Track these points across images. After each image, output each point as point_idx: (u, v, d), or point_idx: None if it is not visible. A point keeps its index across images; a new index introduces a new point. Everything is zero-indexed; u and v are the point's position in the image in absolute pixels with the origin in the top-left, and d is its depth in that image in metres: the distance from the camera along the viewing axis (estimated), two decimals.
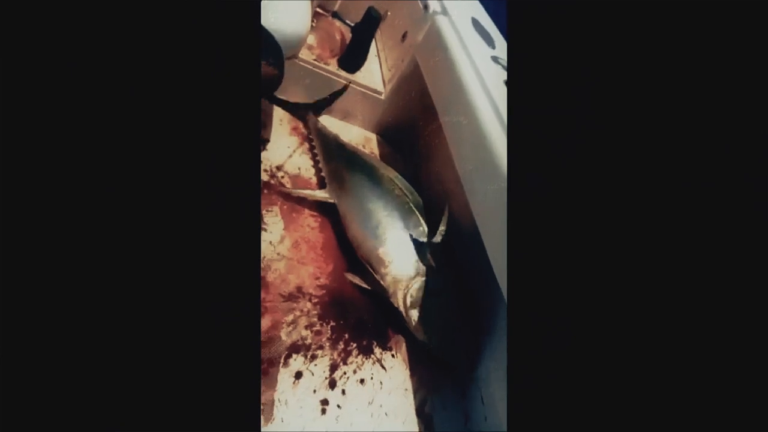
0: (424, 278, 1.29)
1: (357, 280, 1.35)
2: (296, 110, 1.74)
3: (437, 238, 1.36)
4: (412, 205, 1.46)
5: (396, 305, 1.28)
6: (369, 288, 1.33)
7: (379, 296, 1.33)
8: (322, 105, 1.74)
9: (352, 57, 1.45)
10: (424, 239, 1.37)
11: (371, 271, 1.34)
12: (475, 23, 1.70)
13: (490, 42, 1.63)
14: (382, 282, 1.31)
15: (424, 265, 1.32)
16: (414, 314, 1.25)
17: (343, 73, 1.85)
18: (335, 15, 1.48)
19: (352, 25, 1.40)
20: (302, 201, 1.50)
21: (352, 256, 1.41)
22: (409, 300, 1.26)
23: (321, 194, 1.49)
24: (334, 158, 1.59)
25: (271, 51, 1.12)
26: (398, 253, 1.33)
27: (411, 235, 1.38)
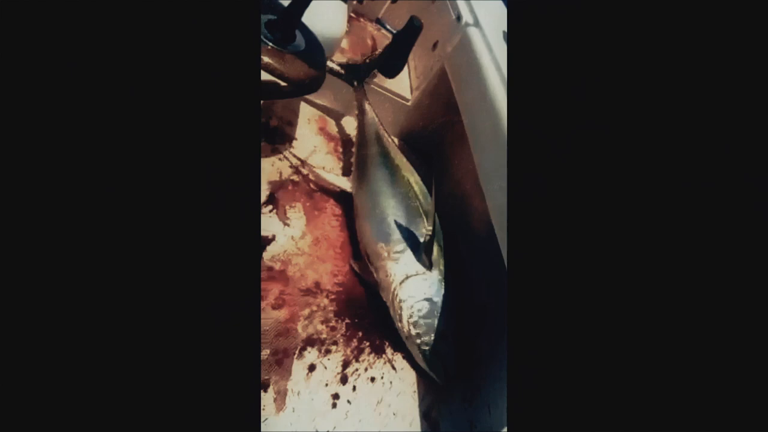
0: (416, 280, 1.31)
1: (357, 267, 1.39)
2: (347, 75, 1.71)
3: (430, 238, 1.38)
4: (421, 209, 1.48)
5: (385, 300, 1.31)
6: (366, 279, 1.37)
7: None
8: (371, 66, 1.69)
9: (392, 63, 1.49)
10: (423, 243, 1.39)
11: (368, 262, 1.37)
12: (506, 36, 1.71)
13: None
14: (375, 275, 1.34)
15: (417, 267, 1.34)
16: (400, 313, 1.26)
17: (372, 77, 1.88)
18: (378, 21, 1.54)
19: (394, 32, 1.44)
20: (325, 199, 1.53)
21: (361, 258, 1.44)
22: (398, 298, 1.28)
23: (342, 182, 1.55)
24: (367, 143, 1.62)
25: (315, 54, 1.15)
26: (395, 251, 1.36)
27: (411, 237, 1.39)
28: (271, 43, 1.02)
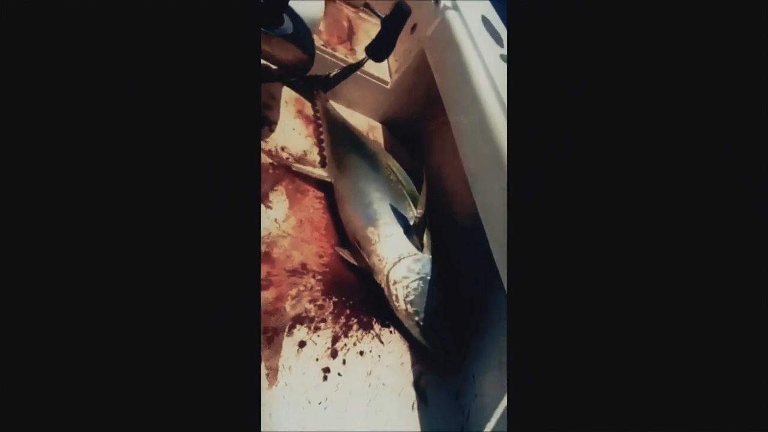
0: (408, 261, 1.35)
1: (345, 254, 1.41)
2: (307, 87, 1.78)
3: (419, 220, 1.41)
4: (405, 191, 1.52)
5: (379, 283, 1.34)
6: (356, 264, 1.39)
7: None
8: (334, 81, 1.77)
9: (380, 47, 1.51)
10: (412, 225, 1.43)
11: (358, 248, 1.39)
12: (485, 21, 1.73)
13: (499, 40, 1.67)
14: (367, 260, 1.37)
15: (409, 248, 1.38)
16: (396, 294, 1.30)
17: (350, 60, 1.90)
18: (367, 6, 1.59)
19: (382, 16, 1.46)
20: (307, 182, 1.55)
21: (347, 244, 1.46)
22: (392, 280, 1.31)
23: (320, 172, 1.56)
24: (338, 138, 1.66)
25: (304, 37, 1.16)
26: (385, 234, 1.39)
27: (399, 219, 1.43)
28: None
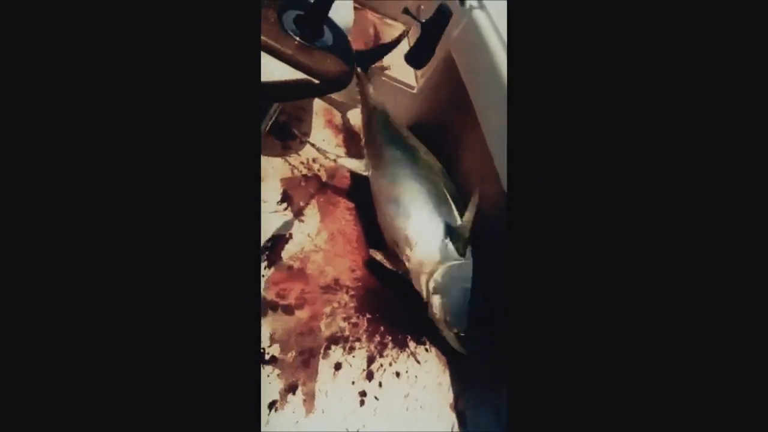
0: (450, 266, 1.27)
1: (379, 257, 1.35)
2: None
3: (465, 228, 1.33)
4: (446, 192, 1.43)
5: (418, 288, 1.28)
6: (391, 268, 1.33)
7: (408, 287, 1.32)
8: (372, 57, 1.73)
9: (421, 53, 1.46)
10: (455, 227, 1.34)
11: (397, 251, 1.32)
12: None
13: None
14: (406, 264, 1.30)
15: (451, 252, 1.30)
16: (436, 300, 1.23)
17: (376, 65, 1.86)
18: (406, 11, 1.55)
19: (422, 21, 1.41)
20: (338, 194, 1.52)
21: (384, 247, 1.41)
22: (432, 285, 1.24)
23: (356, 164, 1.50)
24: (376, 127, 1.58)
25: (344, 47, 1.12)
26: (427, 236, 1.31)
27: (442, 221, 1.34)
28: (299, 39, 0.99)
